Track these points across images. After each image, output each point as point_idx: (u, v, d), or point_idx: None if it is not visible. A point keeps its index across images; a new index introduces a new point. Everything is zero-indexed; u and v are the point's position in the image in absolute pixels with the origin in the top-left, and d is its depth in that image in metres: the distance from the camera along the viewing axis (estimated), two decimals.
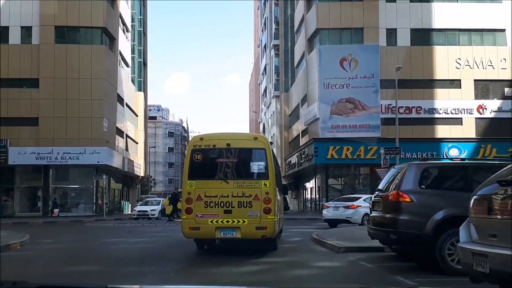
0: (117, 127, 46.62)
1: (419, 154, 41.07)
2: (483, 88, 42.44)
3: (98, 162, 40.72)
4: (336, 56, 41.76)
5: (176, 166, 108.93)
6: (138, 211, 36.41)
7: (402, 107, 39.63)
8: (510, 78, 42.21)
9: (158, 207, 36.45)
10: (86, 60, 41.11)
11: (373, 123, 41.45)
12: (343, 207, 24.02)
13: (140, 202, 43.38)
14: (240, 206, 11.55)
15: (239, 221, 11.55)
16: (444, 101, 42.21)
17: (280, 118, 64.06)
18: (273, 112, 69.63)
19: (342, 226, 23.52)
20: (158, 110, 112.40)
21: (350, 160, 41.18)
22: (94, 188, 42.81)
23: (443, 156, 41.10)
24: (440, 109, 42.18)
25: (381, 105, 41.91)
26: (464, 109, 42.10)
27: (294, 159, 50.43)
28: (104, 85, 42.20)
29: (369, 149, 41.11)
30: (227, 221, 11.57)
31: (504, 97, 42.05)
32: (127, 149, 51.94)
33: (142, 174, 59.62)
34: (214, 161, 12.06)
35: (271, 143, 16.72)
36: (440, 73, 42.52)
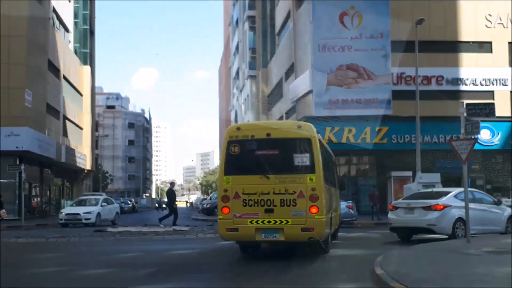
0: (48, 104, 35.98)
1: (441, 137, 31.77)
2: None
3: (17, 147, 30.14)
4: (334, 9, 32.02)
5: (137, 161, 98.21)
6: (67, 214, 25.97)
7: (419, 76, 30.10)
8: None
9: (96, 209, 26.14)
10: (2, 10, 30.39)
11: (382, 96, 31.91)
12: (422, 208, 14.57)
13: (71, 202, 32.83)
14: (282, 204, 10.45)
15: (281, 222, 10.43)
16: (471, 69, 32.93)
17: (256, 101, 54.15)
18: (248, 95, 59.67)
19: (418, 237, 15.25)
20: (117, 98, 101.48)
21: (353, 144, 31.57)
22: (17, 183, 32.05)
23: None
24: (467, 80, 32.89)
25: (392, 73, 32.40)
26: (496, 80, 32.91)
27: None
28: (26, 44, 31.52)
29: (377, 130, 31.65)
30: (269, 222, 10.47)
31: None
32: (65, 135, 41.27)
33: (88, 167, 48.90)
34: (253, 153, 10.95)
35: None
36: (466, 34, 33.25)
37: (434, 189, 15.57)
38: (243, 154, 10.93)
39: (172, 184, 25.07)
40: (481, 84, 32.85)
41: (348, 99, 31.92)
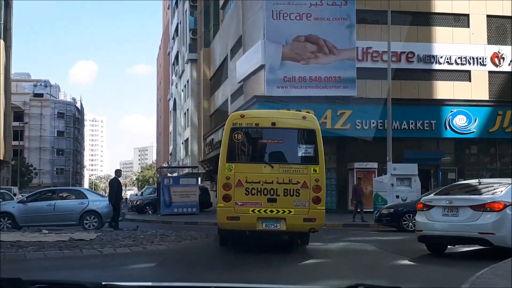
0: None
1: (411, 124, 27.34)
2: (500, 28, 29.27)
3: None
4: None
5: (67, 153, 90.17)
6: None
7: (386, 52, 25.42)
8: None
9: None
10: None
11: (346, 74, 27.09)
12: (470, 207, 9.66)
13: None
14: (286, 194, 10.35)
15: (284, 211, 10.35)
16: (446, 45, 28.63)
17: (197, 87, 48.55)
18: (188, 81, 53.98)
19: (459, 249, 10.85)
20: (46, 86, 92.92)
21: None
22: None
23: (446, 126, 27.60)
24: (441, 57, 28.56)
25: (357, 48, 27.65)
26: (473, 58, 28.74)
27: (219, 135, 35.19)
28: None
29: (339, 114, 26.83)
30: (271, 211, 10.33)
31: None
32: None
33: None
34: (257, 142, 10.87)
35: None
36: (440, 5, 28.90)
37: (482, 180, 10.68)
38: (247, 142, 10.80)
39: (118, 172, 18.92)
40: (457, 63, 28.59)
41: (306, 76, 26.92)
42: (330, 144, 29.16)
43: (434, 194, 10.91)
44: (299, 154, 10.71)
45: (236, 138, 10.63)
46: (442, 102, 28.02)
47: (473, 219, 9.44)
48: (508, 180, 10.25)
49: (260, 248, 11.77)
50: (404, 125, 27.45)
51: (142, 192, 36.09)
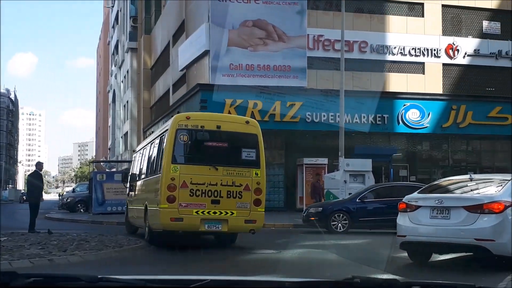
0: None
1: (363, 117, 25.85)
2: (455, 19, 28.20)
3: None
4: None
5: None
6: None
7: (338, 40, 23.84)
8: (492, 7, 28.42)
9: None
10: None
11: (296, 64, 25.33)
12: (464, 208, 7.85)
13: None
14: (229, 196, 10.49)
15: (227, 213, 10.49)
16: (400, 35, 27.29)
17: (137, 77, 45.82)
18: (128, 71, 51.05)
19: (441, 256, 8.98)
20: None
21: (259, 123, 24.53)
22: None
23: (398, 120, 26.29)
24: (394, 48, 27.20)
25: (308, 35, 25.92)
26: (427, 50, 27.54)
27: (160, 128, 32.78)
28: None
29: (289, 106, 25.02)
30: (214, 213, 10.45)
31: (483, 35, 28.17)
32: None
33: None
34: (202, 144, 10.93)
35: None
36: None
37: (474, 175, 8.92)
38: (193, 144, 10.91)
39: (39, 165, 15.77)
40: (411, 54, 27.31)
41: (254, 64, 24.97)
42: (278, 138, 27.43)
43: (419, 192, 9.11)
44: (242, 158, 10.87)
45: (182, 139, 10.70)
46: (395, 95, 26.66)
47: (468, 223, 7.73)
48: (501, 176, 8.60)
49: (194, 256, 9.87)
50: (356, 118, 25.91)
51: (73, 189, 33.22)
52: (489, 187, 8.27)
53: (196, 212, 10.34)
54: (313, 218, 15.76)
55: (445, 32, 27.77)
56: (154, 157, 11.91)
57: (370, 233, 14.76)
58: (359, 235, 13.99)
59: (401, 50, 27.15)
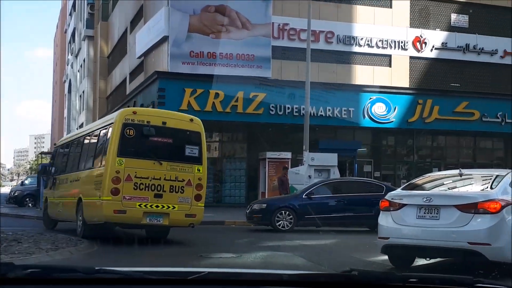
0: None
1: (328, 110, 24.93)
2: (423, 11, 27.52)
3: None
4: None
5: None
6: None
7: (304, 30, 22.83)
8: (461, 0, 27.87)
9: None
10: None
11: (260, 53, 24.19)
12: (456, 208, 6.79)
13: None
14: (171, 190, 10.82)
15: (169, 207, 10.77)
16: (367, 26, 26.44)
17: (93, 65, 43.91)
18: (84, 60, 49.00)
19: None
20: None
21: (221, 114, 23.48)
22: None
23: (364, 114, 25.47)
24: (361, 39, 26.33)
25: (273, 24, 24.81)
26: (394, 42, 26.78)
27: None
28: None
29: (252, 97, 23.88)
30: (157, 206, 10.69)
31: (451, 28, 27.58)
32: None
33: None
34: (148, 139, 11.00)
35: None
36: None
37: (463, 170, 7.87)
38: (138, 138, 10.89)
39: None
40: (378, 46, 26.50)
41: (216, 52, 23.70)
42: (240, 131, 26.31)
43: (402, 189, 8.07)
44: (186, 154, 11.17)
45: (128, 134, 10.75)
46: (362, 88, 25.81)
47: (461, 224, 6.76)
48: (494, 171, 7.66)
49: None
50: (321, 111, 24.93)
51: (22, 182, 31.30)
52: (482, 184, 7.32)
53: (139, 205, 10.50)
54: (256, 216, 14.86)
55: (412, 24, 27.07)
56: (94, 150, 11.91)
57: (337, 232, 13.83)
58: (325, 235, 13.03)
59: (368, 41, 26.32)
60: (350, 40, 26.09)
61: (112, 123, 10.93)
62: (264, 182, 24.31)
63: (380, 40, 26.46)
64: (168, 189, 10.69)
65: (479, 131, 27.32)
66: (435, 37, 27.11)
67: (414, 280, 2.42)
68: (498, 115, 26.82)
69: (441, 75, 27.24)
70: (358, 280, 2.45)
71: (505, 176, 7.18)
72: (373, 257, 7.74)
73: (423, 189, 7.77)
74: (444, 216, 6.91)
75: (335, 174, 20.83)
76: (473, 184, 7.55)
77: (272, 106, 24.22)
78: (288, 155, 24.42)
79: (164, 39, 23.68)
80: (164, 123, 11.07)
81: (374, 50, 26.46)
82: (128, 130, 10.70)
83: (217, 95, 23.16)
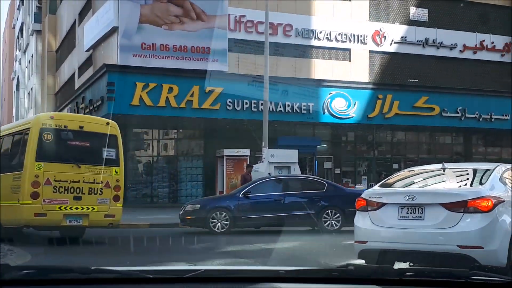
0: None
1: (288, 106, 24.14)
2: (382, 4, 26.98)
3: None
4: None
5: None
6: None
7: (262, 22, 21.92)
8: None
9: None
10: None
11: (216, 46, 23.11)
12: (443, 206, 5.88)
13: None
14: (90, 192, 11.20)
15: (88, 208, 11.17)
16: (326, 19, 25.71)
17: (41, 61, 41.90)
18: (32, 55, 46.82)
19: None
20: None
21: (176, 110, 22.33)
22: None
23: (324, 110, 24.75)
24: (320, 33, 25.58)
25: (229, 15, 23.79)
26: (354, 36, 26.15)
27: None
28: None
29: (208, 92, 22.80)
30: (76, 208, 11.07)
31: (410, 22, 27.15)
32: None
33: None
34: (66, 143, 11.35)
35: None
36: None
37: (446, 164, 6.97)
38: (56, 143, 11.16)
39: None
40: (337, 40, 25.81)
41: (170, 44, 22.51)
42: (197, 127, 25.22)
43: (380, 186, 7.18)
44: (103, 157, 11.42)
45: (46, 138, 10.98)
46: (321, 83, 25.05)
47: (449, 225, 5.97)
48: (480, 165, 6.87)
49: None
50: (280, 107, 24.07)
51: None
52: (469, 180, 6.51)
53: (59, 207, 10.81)
54: (189, 217, 13.90)
55: (372, 18, 26.50)
56: (12, 154, 11.93)
57: (299, 233, 13.02)
58: (286, 236, 12.13)
59: (327, 35, 25.59)
60: (309, 33, 25.30)
61: (29, 127, 11.16)
62: (222, 181, 23.29)
63: (339, 34, 25.78)
64: (87, 191, 11.05)
65: (439, 126, 27.02)
66: (395, 31, 26.63)
67: (411, 273, 2.44)
68: (458, 110, 26.55)
69: (400, 69, 26.78)
70: (355, 274, 2.48)
71: (493, 170, 6.41)
72: (347, 262, 6.84)
73: (404, 185, 6.92)
74: (429, 216, 6.09)
75: (296, 171, 20.04)
76: (459, 179, 6.75)
77: (230, 101, 23.21)
78: (246, 152, 23.49)
79: (114, 30, 22.32)
80: (81, 127, 11.38)
81: (333, 44, 25.76)
82: (45, 135, 10.96)
83: (171, 89, 21.99)
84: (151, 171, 25.52)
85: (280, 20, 24.63)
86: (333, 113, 24.87)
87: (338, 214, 14.30)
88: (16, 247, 9.73)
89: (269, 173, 18.47)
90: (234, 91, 23.31)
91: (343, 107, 25.03)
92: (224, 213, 13.71)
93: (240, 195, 14.26)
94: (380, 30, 26.39)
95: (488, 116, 26.96)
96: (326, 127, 26.53)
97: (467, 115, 26.68)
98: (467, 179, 6.65)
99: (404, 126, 26.85)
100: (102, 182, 11.18)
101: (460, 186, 6.57)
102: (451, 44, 27.22)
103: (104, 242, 11.06)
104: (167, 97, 21.95)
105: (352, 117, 25.18)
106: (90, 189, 11.08)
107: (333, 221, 14.27)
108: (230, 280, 2.41)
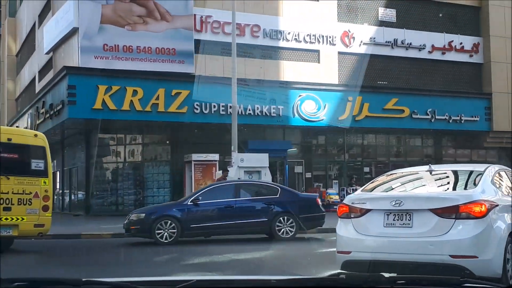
0: None
1: (257, 109, 23.57)
2: (350, 4, 26.59)
3: None
4: None
5: None
6: None
7: (229, 23, 21.26)
8: None
9: None
10: None
11: (182, 47, 22.39)
12: (433, 212, 5.27)
13: None
14: (20, 203, 11.37)
15: (18, 219, 11.30)
16: (294, 20, 25.19)
17: (1, 65, 40.41)
18: None
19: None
20: None
21: (141, 114, 21.49)
22: None
23: (294, 113, 24.23)
24: (289, 34, 25.04)
25: (195, 15, 23.08)
26: (322, 37, 25.68)
27: (24, 122, 28.36)
28: None
29: (174, 94, 22.08)
30: (6, 219, 11.13)
31: (379, 23, 26.84)
32: None
33: None
34: None
35: None
36: None
37: (433, 166, 6.32)
38: None
39: None
40: (305, 41, 25.29)
41: (133, 46, 21.65)
42: (163, 131, 24.39)
43: (362, 190, 6.55)
44: (32, 168, 11.74)
45: None
46: (290, 85, 24.50)
47: (440, 232, 5.43)
48: (464, 167, 6.30)
49: None
50: (249, 110, 23.42)
51: None
52: (458, 182, 5.95)
53: None
54: (134, 227, 13.06)
55: (340, 19, 26.07)
56: None
57: (269, 242, 12.33)
58: (256, 245, 11.46)
59: (295, 36, 25.05)
60: (277, 34, 24.72)
61: None
62: (191, 186, 22.46)
63: (307, 35, 25.27)
64: (16, 202, 11.20)
65: (409, 128, 26.75)
66: (363, 32, 26.26)
67: (402, 282, 2.45)
68: (427, 112, 26.33)
69: (370, 71, 26.42)
70: (346, 283, 2.51)
71: (484, 172, 5.86)
72: (327, 273, 6.22)
73: (389, 190, 6.31)
74: (418, 223, 5.51)
75: (267, 176, 19.40)
76: (448, 182, 6.17)
77: (197, 105, 22.46)
78: (215, 157, 22.78)
79: (74, 31, 21.35)
80: (9, 139, 11.47)
81: (302, 45, 25.23)
82: None
83: (135, 92, 21.13)
84: (116, 178, 24.57)
85: (248, 21, 24.00)
86: (303, 116, 24.34)
87: (291, 220, 13.60)
88: None
89: (239, 178, 17.80)
90: (202, 94, 22.58)
91: (313, 109, 24.51)
92: (171, 222, 12.89)
93: (189, 203, 13.45)
94: (349, 31, 26.00)
95: (458, 118, 26.80)
96: (296, 130, 25.99)
97: (437, 117, 26.48)
98: (457, 182, 6.09)
99: (375, 129, 26.49)
100: (31, 193, 11.41)
101: (449, 190, 6.00)
102: (420, 45, 27.00)
103: (56, 253, 10.24)
104: (131, 100, 21.09)
105: (322, 120, 24.67)
106: (20, 200, 11.26)
107: (287, 228, 13.55)
108: None
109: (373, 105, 25.21)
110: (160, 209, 13.88)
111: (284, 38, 24.88)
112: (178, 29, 22.26)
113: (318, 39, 25.47)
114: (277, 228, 13.51)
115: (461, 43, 27.64)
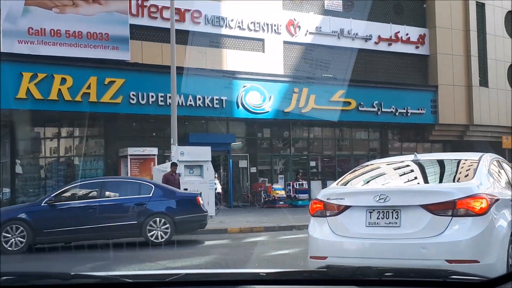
0: None
1: (199, 100, 22.19)
2: None
3: None
4: None
5: None
6: None
7: (167, 8, 19.75)
8: None
9: None
10: None
11: (116, 32, 20.70)
12: (424, 208, 4.16)
13: None
14: None
15: None
16: (237, 7, 23.90)
17: None
18: None
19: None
20: None
21: (70, 104, 19.68)
22: None
23: (238, 104, 23.01)
24: (231, 21, 23.73)
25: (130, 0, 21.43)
26: (267, 25, 24.51)
27: None
28: None
29: (108, 83, 20.40)
30: None
31: (325, 12, 25.91)
32: None
33: None
34: None
35: None
36: None
37: (419, 155, 5.14)
38: None
39: None
40: (250, 29, 24.05)
41: (62, 30, 19.79)
42: (96, 123, 22.58)
43: (338, 184, 5.31)
44: None
45: None
46: (234, 75, 23.21)
47: (434, 233, 4.39)
48: (454, 156, 5.22)
49: None
50: (190, 101, 22.01)
51: None
52: (451, 174, 4.86)
53: None
54: None
55: (285, 7, 24.99)
56: None
57: (224, 247, 11.01)
58: (210, 249, 10.06)
59: (239, 23, 23.78)
60: (219, 21, 23.38)
61: None
62: None
63: (252, 23, 24.05)
64: None
65: (356, 121, 26.03)
66: (309, 21, 25.27)
67: (390, 274, 2.44)
68: (374, 104, 25.68)
69: (316, 61, 25.48)
70: (336, 276, 2.52)
71: (479, 161, 4.79)
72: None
73: (371, 183, 5.14)
74: (407, 221, 4.42)
75: (209, 170, 18.10)
76: (439, 173, 5.07)
77: (133, 94, 20.86)
78: (154, 150, 21.26)
79: None
80: None
81: (246, 33, 23.99)
82: None
83: (64, 80, 19.31)
84: (45, 175, 22.59)
85: (188, 6, 22.55)
86: (247, 107, 23.14)
87: (165, 222, 11.98)
88: None
89: (179, 173, 16.37)
90: (138, 83, 21.02)
91: (258, 101, 23.36)
92: (20, 227, 11.18)
93: (43, 204, 11.69)
94: (294, 19, 24.95)
95: (404, 111, 26.28)
96: (241, 123, 24.78)
97: (383, 110, 25.87)
98: (449, 173, 5.00)
99: (321, 122, 25.59)
100: None
101: (443, 182, 4.90)
102: (366, 36, 26.30)
103: None
104: (59, 89, 19.26)
105: (267, 111, 23.56)
106: None
107: (160, 232, 11.92)
108: (210, 283, 2.37)
109: (319, 97, 24.27)
110: (6, 213, 11.88)
111: (227, 25, 23.58)
112: (112, 13, 20.56)
113: (262, 27, 24.30)
114: (148, 232, 11.93)
115: (407, 34, 27.14)
